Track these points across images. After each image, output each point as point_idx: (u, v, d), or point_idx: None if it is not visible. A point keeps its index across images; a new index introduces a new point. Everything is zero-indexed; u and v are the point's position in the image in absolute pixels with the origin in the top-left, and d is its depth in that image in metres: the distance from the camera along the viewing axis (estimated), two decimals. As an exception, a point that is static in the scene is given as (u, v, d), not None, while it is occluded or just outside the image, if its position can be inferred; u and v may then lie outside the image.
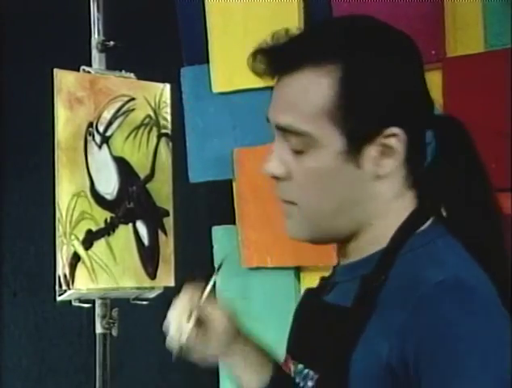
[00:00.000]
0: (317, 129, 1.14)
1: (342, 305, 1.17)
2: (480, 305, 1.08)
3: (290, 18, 2.02)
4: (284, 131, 1.16)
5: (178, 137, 2.14)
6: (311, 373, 1.18)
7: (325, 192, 1.18)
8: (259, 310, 2.12)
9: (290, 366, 1.25)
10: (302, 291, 2.06)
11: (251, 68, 1.21)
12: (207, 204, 2.45)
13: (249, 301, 2.13)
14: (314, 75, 1.14)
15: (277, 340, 2.09)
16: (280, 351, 2.10)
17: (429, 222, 1.17)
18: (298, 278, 2.09)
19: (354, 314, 1.13)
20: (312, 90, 1.15)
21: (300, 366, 1.22)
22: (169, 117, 2.07)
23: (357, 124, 1.14)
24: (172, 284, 2.02)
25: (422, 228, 1.17)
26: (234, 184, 2.15)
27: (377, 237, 1.18)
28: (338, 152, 1.15)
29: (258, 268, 2.11)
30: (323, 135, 1.14)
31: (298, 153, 1.16)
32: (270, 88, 2.25)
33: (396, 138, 1.14)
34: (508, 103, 1.74)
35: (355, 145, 1.15)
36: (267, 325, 2.11)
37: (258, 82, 2.10)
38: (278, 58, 1.18)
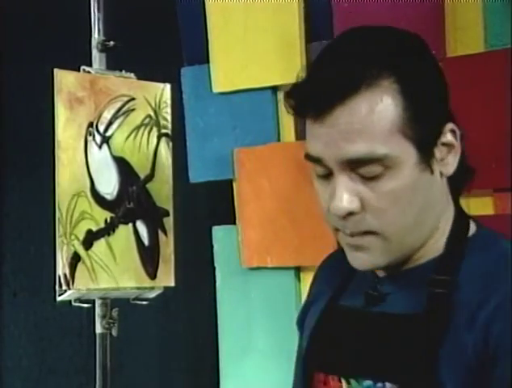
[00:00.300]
0: (394, 148, 1.12)
1: (412, 312, 1.16)
2: None
3: (290, 19, 2.02)
4: (357, 162, 1.11)
5: (178, 137, 2.14)
6: (388, 385, 1.14)
7: (407, 207, 1.15)
8: (259, 310, 2.12)
9: (337, 385, 1.21)
10: (302, 291, 2.08)
11: (287, 106, 1.16)
12: (207, 204, 2.45)
13: (249, 301, 2.12)
14: (373, 95, 1.11)
15: (277, 340, 2.10)
16: (280, 351, 2.11)
17: (473, 226, 1.21)
18: (298, 278, 2.09)
19: (431, 319, 1.13)
20: (377, 111, 1.11)
21: (367, 382, 1.16)
22: (169, 117, 2.06)
23: (425, 131, 1.13)
24: (172, 284, 2.02)
25: (473, 232, 1.20)
26: (234, 184, 2.15)
27: (427, 246, 1.19)
28: (415, 163, 1.13)
29: (258, 268, 2.11)
30: (401, 152, 1.12)
31: (372, 179, 1.12)
32: (271, 88, 2.26)
33: (452, 133, 1.16)
34: (508, 103, 1.74)
35: (427, 151, 1.14)
36: (267, 325, 2.11)
37: (258, 82, 2.12)
38: (323, 92, 1.11)
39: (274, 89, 2.08)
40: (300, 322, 1.36)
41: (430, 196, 1.16)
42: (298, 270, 2.08)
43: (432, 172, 1.15)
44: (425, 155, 1.14)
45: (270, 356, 2.10)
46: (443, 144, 1.15)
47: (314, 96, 1.12)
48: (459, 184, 1.22)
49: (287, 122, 2.08)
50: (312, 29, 2.02)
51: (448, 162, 1.17)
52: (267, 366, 2.10)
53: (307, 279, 2.07)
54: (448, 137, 1.16)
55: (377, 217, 1.13)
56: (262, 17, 2.05)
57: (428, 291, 1.14)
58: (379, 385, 1.15)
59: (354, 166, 1.11)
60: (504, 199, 1.79)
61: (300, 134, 2.06)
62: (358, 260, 1.18)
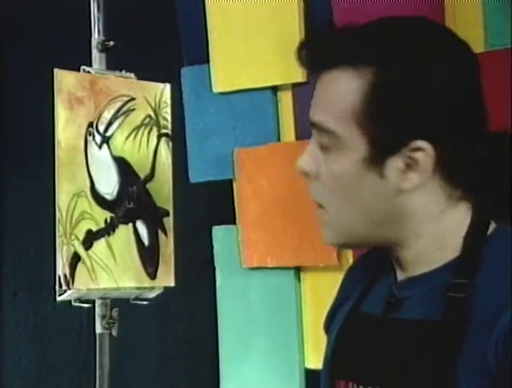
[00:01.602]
0: (344, 131, 1.12)
1: (428, 319, 1.13)
2: None
3: (290, 19, 2.02)
4: (317, 128, 1.14)
5: (178, 137, 2.14)
6: None
7: (349, 199, 1.15)
8: (259, 310, 2.12)
9: None
10: (302, 291, 2.08)
11: (298, 60, 1.18)
12: (207, 204, 2.45)
13: (249, 301, 2.12)
14: (348, 76, 1.12)
15: (277, 340, 2.10)
16: (280, 350, 2.11)
17: (494, 227, 1.15)
18: (298, 278, 2.09)
19: (448, 326, 1.10)
20: (343, 91, 1.12)
21: None
22: (169, 117, 2.06)
23: (383, 133, 1.11)
24: (172, 284, 2.02)
25: (492, 232, 1.15)
26: (234, 184, 2.15)
27: (442, 248, 1.15)
28: (362, 158, 1.12)
29: (258, 268, 2.11)
30: (349, 138, 1.12)
31: (325, 152, 1.14)
32: (271, 88, 2.26)
33: (422, 152, 1.10)
34: (508, 103, 1.74)
35: (379, 153, 1.12)
36: (267, 325, 2.11)
37: (258, 82, 2.12)
38: (317, 54, 1.15)
39: (274, 89, 2.08)
40: (327, 328, 1.34)
41: (383, 202, 1.13)
42: (298, 270, 2.08)
43: (382, 177, 1.12)
44: (378, 156, 1.11)
45: (270, 356, 2.10)
46: (409, 157, 1.11)
47: (309, 57, 1.16)
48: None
49: (287, 122, 2.09)
50: (312, 29, 2.02)
51: (408, 177, 1.12)
52: (267, 366, 2.10)
53: (307, 279, 2.07)
54: (416, 154, 1.10)
55: (324, 191, 1.16)
56: (262, 17, 2.05)
57: (446, 296, 1.11)
58: None
59: (318, 131, 1.15)
60: (504, 199, 1.79)
61: (300, 134, 2.06)
62: (322, 234, 1.21)
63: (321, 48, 1.15)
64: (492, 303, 1.08)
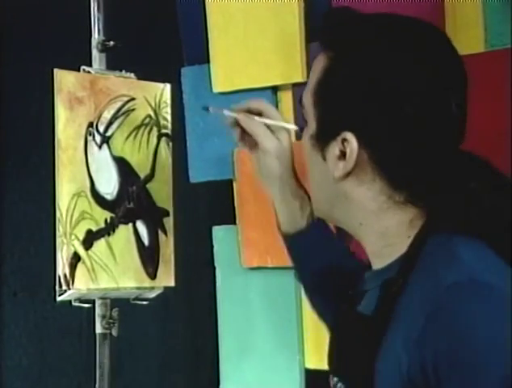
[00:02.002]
0: (308, 106, 1.19)
1: (366, 313, 1.15)
2: (499, 304, 1.01)
3: (290, 19, 2.02)
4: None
5: (178, 137, 2.14)
6: (342, 386, 1.16)
7: (310, 173, 1.23)
8: (259, 310, 2.12)
9: (330, 382, 1.22)
10: (302, 291, 2.08)
11: None
12: (207, 204, 2.45)
13: (249, 301, 2.12)
14: (322, 57, 1.19)
15: (277, 340, 2.10)
16: (280, 350, 2.11)
17: (446, 226, 1.14)
18: (298, 278, 2.09)
19: (374, 322, 1.11)
20: (313, 70, 1.20)
21: (335, 379, 1.19)
22: (169, 117, 2.06)
23: (325, 117, 1.17)
24: (172, 284, 2.02)
25: (434, 235, 1.14)
26: (234, 184, 2.15)
27: (391, 245, 1.16)
28: (311, 135, 1.19)
29: (258, 268, 2.11)
30: (308, 113, 1.19)
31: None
32: (271, 88, 2.26)
33: (348, 144, 1.13)
34: (508, 103, 1.74)
35: (322, 136, 1.17)
36: (267, 325, 2.11)
37: (258, 82, 2.12)
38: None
39: (274, 89, 2.08)
40: None
41: (329, 184, 1.18)
42: (298, 270, 2.08)
43: (324, 160, 1.17)
44: (320, 139, 1.18)
45: (270, 356, 2.10)
46: (341, 146, 1.15)
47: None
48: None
49: (287, 122, 2.08)
50: (312, 29, 2.02)
51: (337, 165, 1.16)
52: (267, 366, 2.10)
53: (307, 279, 2.07)
54: (342, 143, 1.14)
55: None
56: (262, 17, 2.05)
57: (379, 292, 1.14)
58: (339, 385, 1.18)
59: None
60: (504, 199, 1.78)
61: (300, 134, 2.05)
62: None
63: (323, 28, 1.25)
64: (412, 307, 1.07)
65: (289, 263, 1.88)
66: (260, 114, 1.47)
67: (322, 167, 1.18)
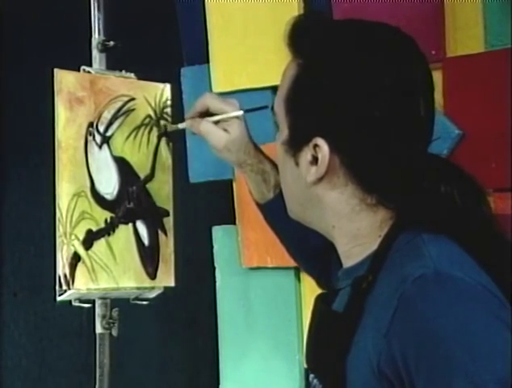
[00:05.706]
0: (279, 112, 1.21)
1: (338, 311, 1.17)
2: (463, 296, 1.03)
3: (290, 19, 2.02)
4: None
5: (178, 137, 2.14)
6: (317, 383, 1.18)
7: (282, 178, 1.25)
8: (259, 310, 2.12)
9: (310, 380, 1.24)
10: (302, 291, 2.08)
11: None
12: (207, 204, 2.45)
13: (249, 301, 2.12)
14: (293, 64, 1.20)
15: (277, 340, 2.10)
16: (280, 350, 2.11)
17: (415, 224, 1.16)
18: (298, 278, 2.09)
19: (345, 319, 1.12)
20: (284, 77, 1.21)
21: (311, 376, 1.22)
22: (169, 117, 2.06)
23: (297, 123, 1.18)
24: (172, 284, 2.02)
25: (403, 233, 1.16)
26: (234, 184, 2.15)
27: (361, 244, 1.18)
28: (284, 140, 1.21)
29: (258, 268, 2.11)
30: (280, 120, 1.21)
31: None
32: (271, 88, 2.26)
33: (320, 150, 1.15)
34: (508, 103, 1.74)
35: (294, 142, 1.19)
36: (267, 325, 2.11)
37: (258, 82, 2.12)
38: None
39: (274, 89, 2.08)
40: None
41: (301, 189, 1.20)
42: (298, 270, 2.08)
43: (297, 165, 1.19)
44: (292, 145, 1.19)
45: (270, 356, 2.10)
46: (313, 152, 1.17)
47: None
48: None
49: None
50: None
51: (309, 170, 1.17)
52: (267, 366, 2.10)
53: (307, 279, 2.06)
54: (311, 149, 1.16)
55: None
56: (261, 17, 2.05)
57: (349, 290, 1.15)
58: (315, 382, 1.20)
59: None
60: (504, 199, 1.78)
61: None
62: None
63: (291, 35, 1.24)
64: (380, 303, 1.09)
65: (289, 263, 1.88)
66: (207, 111, 1.57)
67: (295, 172, 1.20)
